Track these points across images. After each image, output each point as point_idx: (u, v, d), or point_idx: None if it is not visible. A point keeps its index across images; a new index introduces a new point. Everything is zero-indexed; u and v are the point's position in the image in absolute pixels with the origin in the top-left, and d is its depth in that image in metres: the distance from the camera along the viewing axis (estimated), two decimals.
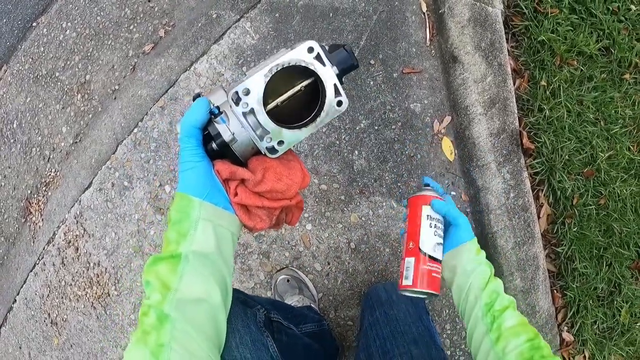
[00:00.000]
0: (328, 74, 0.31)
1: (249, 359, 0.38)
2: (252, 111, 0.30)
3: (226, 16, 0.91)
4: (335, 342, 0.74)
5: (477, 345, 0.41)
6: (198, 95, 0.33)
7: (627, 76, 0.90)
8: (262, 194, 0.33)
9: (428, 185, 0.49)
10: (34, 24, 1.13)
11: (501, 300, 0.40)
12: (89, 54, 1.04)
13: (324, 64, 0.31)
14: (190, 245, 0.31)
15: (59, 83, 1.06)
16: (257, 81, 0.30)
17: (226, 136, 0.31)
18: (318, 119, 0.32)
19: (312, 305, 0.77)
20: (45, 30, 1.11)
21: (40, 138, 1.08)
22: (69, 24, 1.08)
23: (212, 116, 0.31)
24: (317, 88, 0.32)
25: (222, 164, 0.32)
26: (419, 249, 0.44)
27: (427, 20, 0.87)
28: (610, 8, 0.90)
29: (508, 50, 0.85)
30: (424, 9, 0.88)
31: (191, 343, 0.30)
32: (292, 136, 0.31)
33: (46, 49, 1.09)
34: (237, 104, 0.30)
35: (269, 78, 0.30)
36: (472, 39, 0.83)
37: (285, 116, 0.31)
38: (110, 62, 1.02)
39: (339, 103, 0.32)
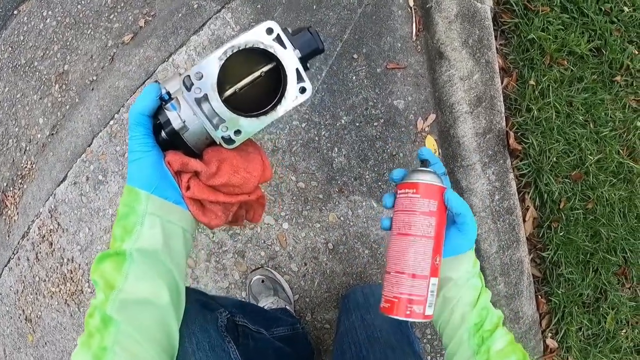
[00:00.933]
0: (289, 58, 0.28)
1: None
2: (205, 97, 0.28)
3: (207, 6, 0.88)
4: (311, 346, 0.72)
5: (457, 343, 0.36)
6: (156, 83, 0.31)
7: (618, 78, 0.88)
8: (217, 188, 0.30)
9: (427, 161, 0.36)
10: (15, 12, 1.10)
11: (491, 317, 0.36)
12: (68, 44, 1.01)
13: (284, 47, 0.28)
14: (135, 243, 0.30)
15: (37, 73, 1.03)
16: (210, 64, 0.27)
17: (176, 124, 0.28)
18: (279, 107, 0.29)
19: (287, 307, 0.74)
20: (26, 18, 1.08)
21: (17, 129, 1.05)
22: (50, 12, 1.05)
23: (162, 102, 0.28)
24: (279, 74, 0.29)
25: (173, 155, 0.30)
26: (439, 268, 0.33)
27: (413, 14, 0.85)
28: (603, 8, 0.88)
29: (496, 47, 0.83)
30: (411, 3, 0.85)
31: (136, 347, 0.28)
32: (250, 125, 0.28)
33: (26, 37, 1.07)
34: (189, 89, 0.27)
35: (223, 61, 0.27)
36: (460, 35, 0.80)
37: (245, 104, 0.29)
38: (89, 52, 0.99)
39: (302, 90, 0.29)
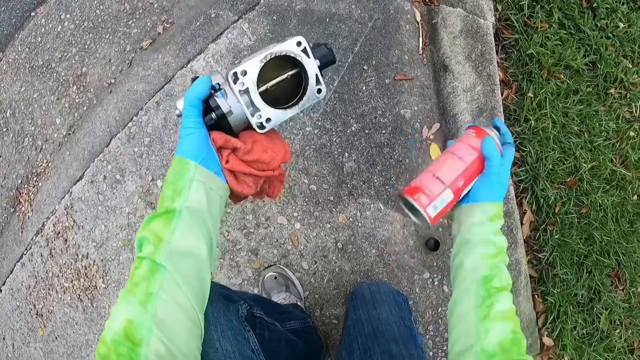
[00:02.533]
0: (311, 65, 0.36)
1: (229, 352, 0.39)
2: (247, 90, 0.34)
3: (225, 16, 0.92)
4: (320, 340, 0.75)
5: (458, 315, 0.37)
6: (196, 77, 0.36)
7: (612, 91, 0.93)
8: (250, 164, 0.37)
9: (497, 127, 0.42)
10: (33, 14, 1.14)
11: (501, 277, 0.36)
12: (86, 47, 1.05)
13: (308, 57, 0.36)
14: (184, 202, 0.33)
15: (54, 74, 1.07)
16: (253, 65, 0.34)
17: (224, 108, 0.35)
18: (300, 102, 0.36)
19: (298, 303, 0.78)
20: (43, 20, 1.11)
21: (33, 128, 1.08)
22: (68, 15, 1.08)
23: (213, 91, 0.35)
24: (301, 78, 0.37)
25: (217, 134, 0.36)
26: (461, 195, 0.39)
27: (420, 29, 0.90)
28: (599, 24, 0.93)
29: (497, 61, 0.88)
30: (418, 18, 0.90)
31: (179, 294, 0.31)
32: (278, 115, 0.36)
33: (43, 39, 1.10)
34: (235, 82, 0.34)
35: (263, 63, 0.34)
36: (464, 49, 0.85)
37: (273, 99, 0.36)
38: (108, 56, 1.02)
39: (319, 90, 0.37)
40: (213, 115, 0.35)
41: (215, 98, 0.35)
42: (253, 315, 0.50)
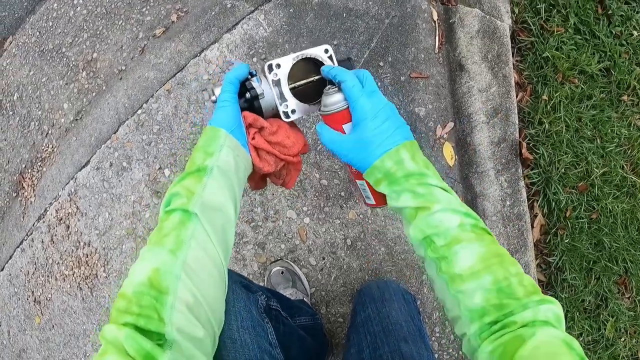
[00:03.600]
0: None
1: (248, 343, 0.38)
2: (278, 82, 0.39)
3: (240, 7, 0.92)
4: (326, 338, 0.74)
5: (435, 287, 0.33)
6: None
7: (625, 98, 0.94)
8: (273, 145, 0.40)
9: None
10: None
11: (442, 233, 0.30)
12: (98, 32, 1.04)
13: (333, 63, 0.41)
14: (215, 161, 0.35)
15: (64, 59, 1.05)
16: (287, 60, 0.40)
17: (259, 91, 0.39)
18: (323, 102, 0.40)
19: (304, 299, 0.77)
20: (55, 4, 1.10)
21: (40, 112, 1.07)
22: (81, 0, 1.07)
23: (250, 76, 0.40)
24: (324, 84, 0.41)
25: (248, 113, 0.39)
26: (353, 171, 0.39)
27: (437, 28, 0.89)
28: (614, 32, 0.94)
29: (513, 63, 0.88)
30: (435, 17, 0.90)
31: (208, 244, 0.32)
32: (302, 108, 0.40)
33: (55, 23, 1.09)
34: (269, 72, 0.39)
35: (295, 61, 0.40)
36: (480, 49, 0.85)
37: (299, 96, 0.41)
38: (119, 42, 1.01)
39: None
40: (247, 95, 0.39)
41: (251, 81, 0.39)
42: (270, 307, 0.49)
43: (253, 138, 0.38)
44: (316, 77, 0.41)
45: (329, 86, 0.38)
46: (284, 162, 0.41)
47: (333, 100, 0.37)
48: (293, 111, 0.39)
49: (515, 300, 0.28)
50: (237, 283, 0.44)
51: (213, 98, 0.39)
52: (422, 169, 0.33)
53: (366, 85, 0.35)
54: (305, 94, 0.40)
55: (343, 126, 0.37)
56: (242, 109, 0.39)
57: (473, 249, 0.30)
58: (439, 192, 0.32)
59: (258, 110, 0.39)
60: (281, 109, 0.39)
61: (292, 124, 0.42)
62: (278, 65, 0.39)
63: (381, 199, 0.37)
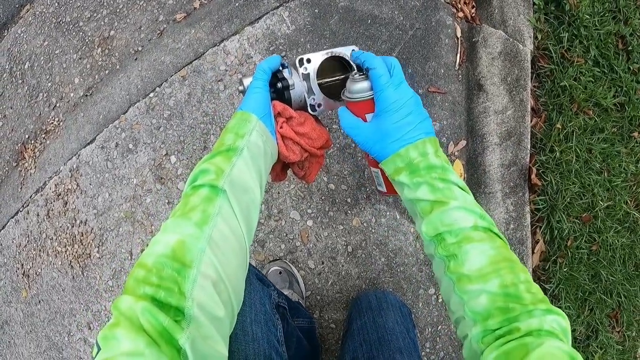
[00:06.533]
0: None
1: (259, 338, 0.38)
2: (308, 76, 0.40)
3: (265, 1, 0.91)
4: (318, 342, 0.74)
5: (441, 286, 0.32)
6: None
7: (635, 134, 0.94)
8: (300, 135, 0.41)
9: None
10: None
11: (454, 231, 0.29)
12: (117, 10, 1.02)
13: None
14: (246, 143, 0.35)
15: (81, 33, 1.04)
16: (317, 56, 0.41)
17: (290, 82, 0.40)
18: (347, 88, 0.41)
19: (300, 301, 0.76)
20: None
21: (50, 84, 1.05)
22: None
23: (281, 67, 0.41)
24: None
25: (277, 102, 0.40)
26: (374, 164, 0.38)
27: (459, 45, 0.89)
28: (632, 68, 0.95)
29: (531, 88, 0.88)
30: (459, 34, 0.90)
31: (234, 220, 0.31)
32: (328, 103, 0.41)
33: None
34: (300, 66, 0.40)
35: (325, 58, 0.41)
36: (500, 71, 0.85)
37: (326, 92, 0.42)
38: (138, 23, 1.00)
39: None
40: (279, 85, 0.40)
41: (283, 72, 0.40)
42: (279, 304, 0.49)
43: (281, 127, 0.39)
44: (342, 76, 0.42)
45: (356, 72, 0.39)
46: (307, 154, 0.42)
47: (359, 87, 0.36)
48: (319, 105, 0.41)
49: (521, 305, 0.27)
50: (253, 274, 0.43)
51: (241, 88, 0.40)
52: (445, 164, 0.33)
53: (394, 75, 0.35)
54: (331, 91, 0.41)
55: (365, 114, 0.36)
56: (272, 99, 0.40)
57: (484, 250, 0.29)
58: (457, 189, 0.32)
59: (287, 101, 0.40)
60: (309, 101, 0.40)
61: (317, 119, 0.43)
62: (309, 60, 0.40)
63: (392, 187, 0.38)
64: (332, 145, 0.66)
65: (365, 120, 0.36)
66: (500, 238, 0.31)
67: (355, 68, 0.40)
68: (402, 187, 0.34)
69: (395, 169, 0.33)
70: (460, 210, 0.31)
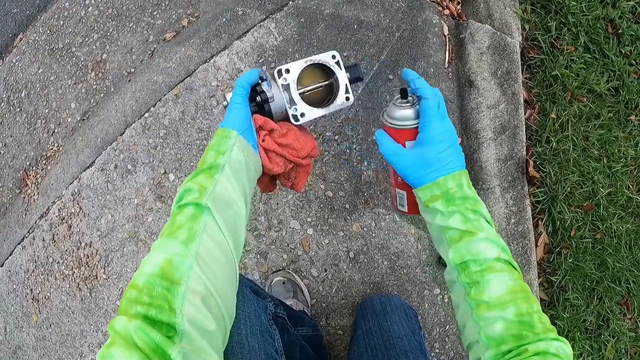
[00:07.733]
0: (342, 76, 0.42)
1: (256, 349, 0.38)
2: (287, 86, 0.40)
3: (252, 14, 0.92)
4: (325, 350, 0.74)
5: (458, 311, 0.34)
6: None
7: (632, 118, 0.93)
8: (282, 147, 0.41)
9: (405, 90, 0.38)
10: None
11: (479, 260, 0.31)
12: (108, 34, 1.04)
13: (340, 68, 0.42)
14: (227, 159, 0.36)
15: (74, 58, 1.06)
16: (296, 66, 0.40)
17: (268, 94, 0.40)
18: (331, 105, 0.42)
19: (305, 310, 0.76)
20: (67, 4, 1.10)
21: (47, 111, 1.07)
22: (92, 1, 1.08)
23: (260, 80, 0.41)
24: (331, 89, 0.42)
25: (258, 115, 0.40)
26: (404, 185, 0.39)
27: (447, 43, 0.89)
28: (623, 51, 0.94)
29: (522, 80, 0.88)
30: (446, 32, 0.90)
31: (220, 237, 0.32)
32: (311, 112, 0.41)
33: (66, 22, 1.09)
34: (279, 77, 0.40)
35: (303, 67, 0.40)
36: (490, 66, 0.85)
37: (307, 101, 0.42)
38: (129, 45, 1.02)
39: (347, 98, 0.43)
40: (258, 98, 0.40)
41: (262, 86, 0.40)
42: (277, 315, 0.49)
43: (263, 140, 0.39)
44: (324, 83, 0.42)
45: (399, 97, 0.38)
46: (293, 164, 0.42)
47: (404, 114, 0.36)
48: (302, 115, 0.40)
49: (533, 333, 0.30)
50: (248, 287, 0.44)
51: (224, 103, 0.41)
52: (476, 196, 0.36)
53: (441, 107, 0.37)
54: (314, 99, 0.41)
55: (405, 141, 0.37)
56: (253, 113, 0.40)
57: (504, 280, 0.32)
58: (484, 222, 0.35)
59: (268, 114, 0.40)
60: (290, 112, 0.40)
61: (302, 128, 0.43)
62: (287, 70, 0.39)
63: (414, 209, 0.40)
64: (319, 154, 0.66)
65: (404, 147, 0.37)
66: (517, 270, 0.34)
67: (400, 93, 0.37)
68: (435, 213, 0.35)
69: (431, 196, 0.35)
70: (486, 241, 0.33)
